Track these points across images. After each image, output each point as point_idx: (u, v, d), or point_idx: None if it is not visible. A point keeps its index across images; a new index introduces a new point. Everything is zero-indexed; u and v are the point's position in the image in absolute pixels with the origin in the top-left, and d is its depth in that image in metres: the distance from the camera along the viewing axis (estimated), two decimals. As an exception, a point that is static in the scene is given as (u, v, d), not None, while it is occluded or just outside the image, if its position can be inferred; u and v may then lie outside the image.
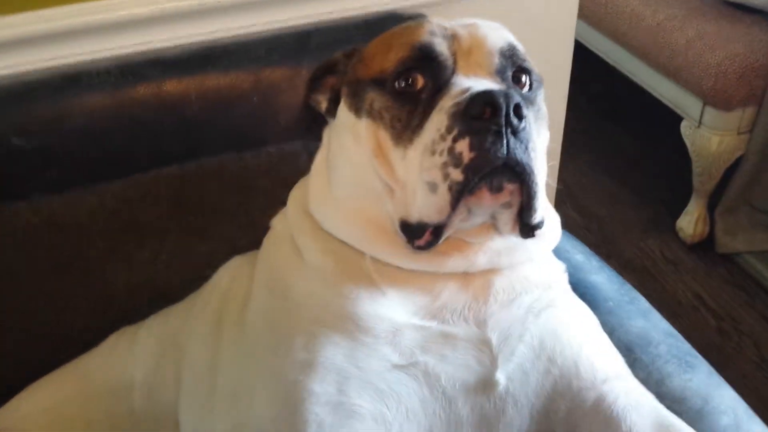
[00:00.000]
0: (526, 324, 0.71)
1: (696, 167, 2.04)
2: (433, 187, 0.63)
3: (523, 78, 0.72)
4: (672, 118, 2.10)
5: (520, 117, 0.62)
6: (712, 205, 2.11)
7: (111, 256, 0.97)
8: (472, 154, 0.62)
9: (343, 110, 0.76)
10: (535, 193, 0.65)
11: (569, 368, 0.70)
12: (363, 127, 0.71)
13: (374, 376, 0.66)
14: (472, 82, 0.67)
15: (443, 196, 0.63)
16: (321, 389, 0.65)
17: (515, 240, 0.70)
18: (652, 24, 2.07)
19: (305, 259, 0.75)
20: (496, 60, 0.70)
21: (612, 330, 0.82)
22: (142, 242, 0.98)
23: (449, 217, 0.64)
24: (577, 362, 0.71)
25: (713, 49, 1.88)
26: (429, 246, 0.67)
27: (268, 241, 0.84)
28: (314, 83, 0.83)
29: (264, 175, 0.99)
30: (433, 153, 0.64)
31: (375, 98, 0.71)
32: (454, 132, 0.63)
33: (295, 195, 0.84)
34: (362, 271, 0.71)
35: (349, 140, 0.73)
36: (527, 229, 0.67)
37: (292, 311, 0.71)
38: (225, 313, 0.80)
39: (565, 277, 0.78)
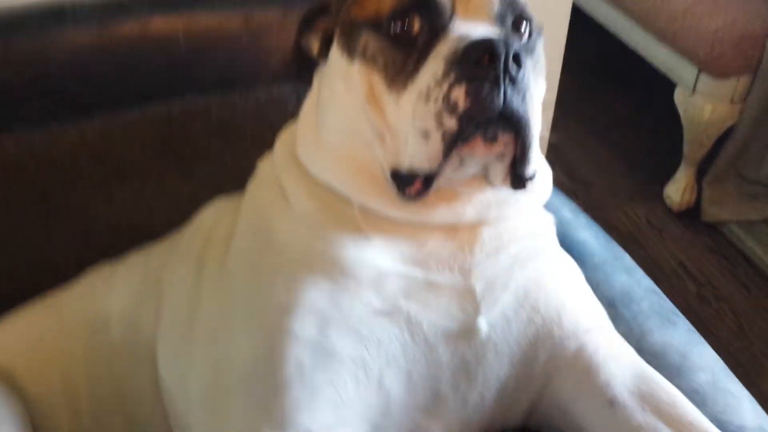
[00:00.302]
0: (511, 273, 0.71)
1: (687, 135, 2.04)
2: (425, 135, 0.62)
3: (523, 26, 0.69)
4: (666, 85, 2.09)
5: (519, 65, 0.61)
6: (700, 174, 2.11)
7: (93, 193, 0.96)
8: (467, 102, 0.60)
9: (336, 53, 0.73)
10: (529, 144, 0.63)
11: (552, 317, 0.70)
12: (355, 71, 0.69)
13: (356, 320, 0.66)
14: (470, 28, 0.65)
15: (436, 144, 0.62)
16: (301, 331, 0.64)
17: (505, 192, 0.70)
18: (651, -12, 2.05)
19: (291, 203, 0.74)
20: (496, 5, 0.67)
21: (596, 285, 0.82)
22: (124, 181, 0.97)
23: (441, 166, 0.63)
24: (560, 312, 0.71)
25: (711, 16, 1.87)
26: (419, 195, 0.66)
27: (254, 183, 0.82)
28: (306, 25, 0.80)
29: (252, 119, 0.97)
30: (427, 100, 0.62)
31: (369, 41, 0.68)
32: (451, 78, 0.61)
33: (283, 138, 0.82)
34: (348, 217, 0.70)
35: (341, 84, 0.71)
36: (519, 181, 0.66)
37: (275, 254, 0.71)
38: (207, 253, 0.79)
39: (553, 230, 0.78)
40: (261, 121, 0.97)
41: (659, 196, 2.20)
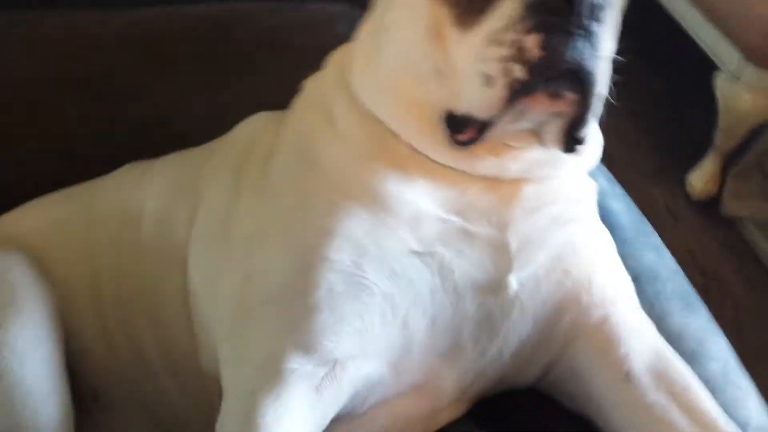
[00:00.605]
0: (547, 234, 0.70)
1: (721, 123, 2.00)
2: (488, 80, 0.59)
3: None
4: (707, 66, 2.04)
5: (598, 20, 0.58)
6: (726, 166, 2.09)
7: (133, 86, 0.95)
8: (541, 53, 0.57)
9: None
10: (592, 104, 0.61)
11: (582, 283, 0.70)
12: (426, 1, 0.65)
13: (390, 256, 0.65)
14: None
15: (498, 91, 0.59)
16: (337, 257, 0.64)
17: (554, 153, 0.67)
18: (713, -37, 1.98)
19: (338, 128, 0.72)
20: None
21: (623, 258, 0.81)
22: (165, 79, 0.95)
23: (499, 115, 0.61)
24: (591, 279, 0.70)
25: (765, 2, 1.81)
26: (470, 142, 0.64)
27: (300, 103, 0.80)
28: None
29: (300, 34, 0.95)
30: (496, 43, 0.59)
31: None
32: (526, 24, 0.58)
33: (335, 60, 0.79)
34: (395, 153, 0.68)
35: (404, 13, 0.68)
36: (571, 143, 0.64)
37: (317, 177, 0.69)
38: (246, 166, 0.78)
39: (594, 198, 0.77)
40: (309, 38, 0.94)
41: (681, 181, 2.18)
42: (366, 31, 0.75)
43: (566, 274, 0.70)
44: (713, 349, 0.79)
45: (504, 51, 0.58)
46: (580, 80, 0.59)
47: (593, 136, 0.74)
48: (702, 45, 2.06)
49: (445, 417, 0.75)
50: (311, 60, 0.94)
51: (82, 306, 0.81)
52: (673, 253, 1.99)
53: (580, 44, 0.57)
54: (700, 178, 2.12)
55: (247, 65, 0.95)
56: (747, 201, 2.07)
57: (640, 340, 0.70)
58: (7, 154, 0.92)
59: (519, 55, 0.58)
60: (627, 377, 0.68)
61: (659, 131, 2.36)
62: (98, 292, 0.81)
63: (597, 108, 0.63)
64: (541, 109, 0.61)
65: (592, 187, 0.77)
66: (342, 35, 0.94)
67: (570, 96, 0.60)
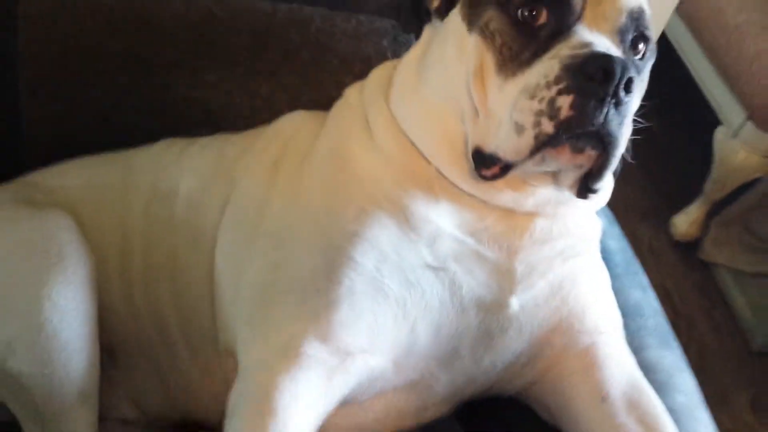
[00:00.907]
0: (552, 264, 0.76)
1: (714, 174, 2.09)
2: (519, 129, 0.65)
3: (641, 45, 0.71)
4: (710, 120, 2.13)
5: (627, 91, 0.63)
6: (711, 213, 2.18)
7: (182, 66, 0.99)
8: (571, 113, 0.62)
9: (456, 18, 0.74)
10: (610, 163, 0.67)
11: (577, 312, 0.77)
12: (471, 42, 0.70)
13: (408, 267, 0.71)
14: (593, 37, 0.66)
15: (527, 140, 0.65)
16: (361, 260, 0.70)
17: (567, 194, 0.73)
18: (730, 23, 2.06)
19: (375, 141, 0.77)
20: (623, 19, 0.68)
21: (613, 292, 0.89)
22: (213, 64, 1.00)
23: (523, 160, 0.66)
24: (585, 309, 0.78)
25: (777, 70, 1.90)
26: (494, 178, 0.70)
27: (340, 108, 0.85)
28: None
29: (347, 43, 1.01)
30: (532, 96, 0.64)
31: (493, 18, 0.69)
32: (561, 84, 0.63)
33: (378, 75, 0.84)
34: (424, 174, 0.74)
35: (452, 50, 0.73)
36: (586, 190, 0.70)
37: (351, 183, 0.75)
38: (283, 162, 0.83)
39: (598, 235, 0.83)
40: (354, 48, 1.00)
41: (666, 222, 2.27)
42: (413, 57, 0.80)
43: (564, 302, 0.77)
44: (682, 384, 0.87)
45: (538, 105, 0.64)
46: (603, 141, 0.65)
47: (606, 183, 0.80)
48: (710, 99, 2.15)
49: (432, 414, 0.82)
50: (352, 67, 1.01)
51: (111, 267, 0.86)
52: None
53: (609, 111, 0.63)
54: (685, 222, 2.21)
55: (292, 63, 1.01)
56: (725, 249, 2.16)
57: (619, 368, 0.77)
58: (61, 111, 0.97)
59: (550, 111, 0.63)
60: (603, 399, 0.75)
61: (655, 173, 2.44)
62: (128, 257, 0.86)
63: (615, 164, 0.69)
64: (563, 160, 0.67)
65: (598, 226, 0.84)
66: (385, 49, 1.01)
67: (592, 153, 0.66)
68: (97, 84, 0.98)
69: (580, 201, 0.74)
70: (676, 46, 2.33)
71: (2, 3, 0.93)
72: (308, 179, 0.79)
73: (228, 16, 0.98)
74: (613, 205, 2.23)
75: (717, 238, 2.17)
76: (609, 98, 0.62)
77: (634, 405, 0.75)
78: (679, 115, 2.57)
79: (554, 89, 0.63)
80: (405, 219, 0.72)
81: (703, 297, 2.14)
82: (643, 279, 0.99)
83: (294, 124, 0.89)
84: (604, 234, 0.98)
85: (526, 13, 0.68)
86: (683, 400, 0.85)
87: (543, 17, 0.68)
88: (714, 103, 2.12)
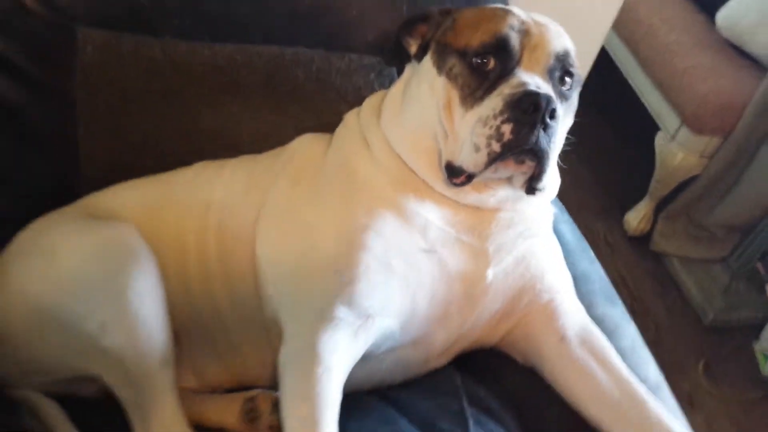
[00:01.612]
0: (515, 243, 0.98)
1: (657, 174, 2.36)
2: (477, 148, 0.86)
3: (567, 79, 0.92)
4: (650, 127, 2.40)
5: (552, 118, 0.84)
6: (658, 209, 2.44)
7: (207, 100, 1.19)
8: (511, 136, 0.84)
9: (428, 63, 0.96)
10: (546, 169, 0.87)
11: (538, 276, 1.00)
12: (440, 82, 0.92)
13: (407, 250, 0.93)
14: (529, 77, 0.87)
15: (482, 156, 0.86)
16: (373, 245, 0.91)
17: (520, 192, 0.95)
18: (663, 42, 2.34)
19: (373, 155, 0.98)
20: (551, 61, 0.89)
21: (567, 264, 1.11)
22: (233, 98, 1.21)
23: (481, 171, 0.88)
24: (543, 274, 1.00)
25: (704, 80, 2.17)
26: (462, 185, 0.91)
27: (342, 130, 1.07)
28: (407, 27, 1.03)
29: (342, 77, 1.23)
30: (484, 124, 0.86)
31: (456, 64, 0.91)
32: (504, 116, 0.84)
33: (371, 102, 1.06)
34: (412, 181, 0.96)
35: (426, 88, 0.95)
36: (532, 190, 0.92)
37: (358, 188, 0.96)
38: (303, 174, 1.03)
39: (551, 218, 1.06)
40: (347, 82, 1.22)
41: (619, 220, 2.54)
42: (397, 90, 1.03)
43: (527, 269, 0.99)
44: (625, 331, 1.09)
45: (489, 131, 0.85)
46: (537, 155, 0.86)
47: (552, 181, 1.02)
48: (649, 108, 2.43)
49: (433, 365, 1.03)
50: (346, 97, 1.24)
51: (168, 266, 1.03)
52: (609, 278, 2.32)
53: (539, 134, 0.84)
54: (635, 218, 2.47)
55: (298, 96, 1.22)
56: (672, 240, 2.42)
57: (572, 317, 1.00)
58: (111, 142, 1.18)
59: (497, 136, 0.85)
60: (561, 340, 0.98)
61: (605, 176, 2.71)
62: (183, 256, 1.05)
63: (551, 169, 0.90)
64: (510, 169, 0.89)
65: (550, 212, 1.06)
66: (372, 81, 1.24)
67: (530, 163, 0.87)
68: (140, 119, 1.18)
69: (531, 197, 0.96)
70: (618, 64, 2.61)
71: (64, 55, 1.13)
72: (324, 187, 0.99)
73: (245, 60, 1.19)
74: (569, 205, 2.52)
75: (665, 231, 2.42)
76: (538, 124, 0.84)
77: (586, 342, 0.98)
78: (624, 124, 2.86)
79: (499, 119, 0.85)
80: (401, 214, 0.93)
81: (656, 283, 2.39)
82: (590, 254, 1.22)
83: (306, 144, 1.10)
84: (558, 219, 1.22)
85: (479, 61, 0.90)
86: (627, 343, 1.07)
87: (491, 64, 0.90)
88: (653, 112, 2.39)
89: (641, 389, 0.93)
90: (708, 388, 2.10)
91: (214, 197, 1.08)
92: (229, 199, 1.07)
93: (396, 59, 1.08)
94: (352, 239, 0.91)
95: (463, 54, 0.91)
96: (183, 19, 1.16)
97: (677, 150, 2.26)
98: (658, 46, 2.35)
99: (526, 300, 1.00)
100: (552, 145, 0.86)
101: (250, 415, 0.97)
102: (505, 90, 0.86)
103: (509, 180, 0.93)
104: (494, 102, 0.86)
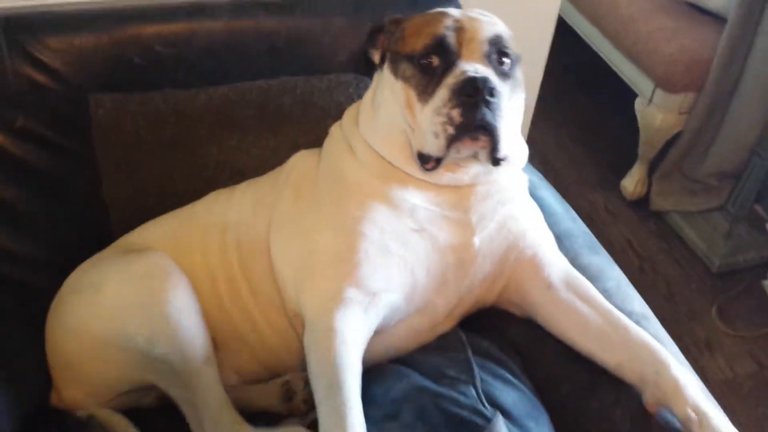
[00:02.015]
0: (495, 211, 1.11)
1: (642, 138, 2.47)
2: (436, 135, 1.00)
3: (504, 59, 1.04)
4: (629, 95, 2.52)
5: (492, 95, 0.97)
6: (651, 170, 2.55)
7: (210, 139, 1.35)
8: (461, 118, 0.97)
9: (387, 70, 1.11)
10: (499, 140, 0.99)
11: (520, 236, 1.12)
12: (398, 86, 1.07)
13: (400, 233, 1.06)
14: (468, 66, 0.99)
15: (442, 141, 0.99)
16: (369, 233, 1.05)
17: (488, 166, 1.07)
18: (625, 13, 2.47)
19: (358, 156, 1.12)
20: (486, 48, 1.02)
21: (551, 224, 1.23)
22: (232, 133, 1.36)
23: (445, 153, 1.01)
24: (525, 233, 1.13)
25: (668, 41, 2.30)
26: (433, 169, 1.05)
27: (329, 141, 1.21)
28: (371, 39, 1.18)
29: (324, 96, 1.38)
30: (438, 114, 1.00)
31: (407, 68, 1.06)
32: (452, 103, 0.98)
33: (349, 113, 1.21)
34: (393, 173, 1.09)
35: (389, 93, 1.09)
36: (496, 161, 1.05)
37: (349, 188, 1.10)
38: (302, 186, 1.18)
39: (525, 185, 1.19)
40: (330, 98, 1.37)
41: (616, 187, 2.65)
42: (368, 98, 1.17)
43: (509, 231, 1.12)
44: (610, 275, 1.21)
45: (442, 118, 0.99)
46: (487, 129, 1.00)
47: (516, 151, 1.14)
48: (623, 77, 2.55)
49: (441, 329, 1.16)
50: (330, 113, 1.38)
51: (199, 283, 1.17)
52: (613, 243, 2.46)
53: (485, 111, 0.98)
54: (631, 183, 2.58)
55: (288, 119, 1.37)
56: (670, 197, 2.52)
57: (556, 266, 1.13)
58: (131, 188, 1.34)
59: (450, 121, 0.99)
60: (548, 287, 1.10)
61: (597, 148, 2.83)
62: (211, 272, 1.19)
63: (505, 140, 1.02)
64: (468, 147, 1.02)
65: (525, 178, 1.19)
66: (351, 95, 1.39)
67: (483, 137, 1.01)
68: (154, 165, 1.34)
69: (501, 168, 1.09)
70: (588, 42, 2.73)
71: (79, 119, 1.29)
72: (321, 193, 1.14)
73: (237, 97, 1.35)
74: (569, 181, 2.67)
75: (661, 190, 2.52)
76: (481, 103, 0.98)
77: (570, 285, 1.10)
78: (605, 98, 2.98)
79: (449, 106, 0.99)
80: (390, 203, 1.07)
81: (661, 240, 2.50)
82: (573, 214, 1.34)
83: (301, 160, 1.24)
84: (538, 186, 1.36)
85: (425, 61, 1.04)
86: (612, 284, 1.19)
87: (436, 62, 1.04)
88: (628, 80, 2.51)
89: (622, 317, 1.05)
90: (724, 330, 2.19)
91: (229, 219, 1.23)
92: (241, 218, 1.22)
93: (366, 69, 1.22)
94: (350, 230, 1.06)
95: (411, 58, 1.06)
96: (177, 72, 1.32)
97: (656, 111, 2.37)
98: (621, 17, 2.48)
99: (513, 258, 1.13)
100: (499, 118, 1.00)
101: (288, 394, 1.12)
102: (450, 81, 1.00)
103: (476, 157, 1.06)
104: (442, 93, 1.00)
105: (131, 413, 1.15)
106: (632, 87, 2.49)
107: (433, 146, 1.01)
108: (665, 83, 2.31)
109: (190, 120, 1.34)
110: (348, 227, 1.06)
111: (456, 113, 0.98)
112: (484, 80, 0.97)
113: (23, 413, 1.13)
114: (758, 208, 2.51)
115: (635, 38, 2.40)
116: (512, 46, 1.07)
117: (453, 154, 1.02)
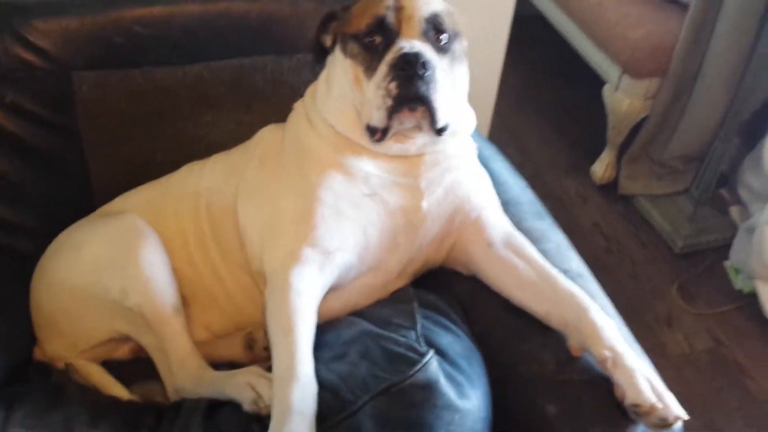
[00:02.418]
0: (443, 177, 1.21)
1: (610, 123, 2.56)
2: (379, 107, 1.09)
3: (441, 36, 1.12)
4: (598, 81, 2.62)
5: (425, 69, 1.05)
6: (620, 155, 2.64)
7: (187, 114, 1.46)
8: (397, 90, 1.06)
9: (338, 51, 1.20)
10: (435, 111, 1.08)
11: (464, 199, 1.22)
12: (347, 63, 1.16)
13: (354, 197, 1.16)
14: (405, 43, 1.08)
15: (383, 112, 1.08)
16: (325, 197, 1.14)
17: (435, 137, 1.17)
18: (593, 1, 2.57)
19: (316, 130, 1.22)
20: (423, 25, 1.10)
21: (502, 191, 1.33)
22: (208, 110, 1.48)
23: (388, 124, 1.09)
24: (469, 196, 1.23)
25: (634, 28, 2.39)
26: (381, 140, 1.14)
27: (293, 117, 1.31)
28: (322, 27, 1.26)
29: (292, 74, 1.49)
30: (378, 88, 1.08)
31: (353, 47, 1.15)
32: (389, 77, 1.06)
33: (310, 91, 1.31)
34: (348, 144, 1.18)
35: (340, 71, 1.19)
36: (439, 131, 1.14)
37: (308, 158, 1.20)
38: (268, 157, 1.28)
39: (473, 153, 1.29)
40: (298, 77, 1.48)
41: (587, 172, 2.75)
42: (323, 77, 1.27)
43: (456, 196, 1.22)
44: (551, 237, 1.31)
45: (382, 92, 1.08)
46: (423, 101, 1.08)
47: (464, 120, 1.24)
48: (593, 65, 2.65)
49: (393, 287, 1.26)
50: (298, 91, 1.48)
51: (173, 245, 1.29)
52: (583, 226, 2.58)
53: (419, 84, 1.06)
54: (600, 167, 2.67)
55: (260, 96, 1.48)
56: (638, 181, 2.61)
57: (498, 227, 1.23)
58: (114, 161, 1.45)
59: (389, 93, 1.08)
60: (489, 245, 1.20)
61: (569, 134, 2.93)
62: (184, 235, 1.30)
63: (442, 111, 1.09)
64: (408, 117, 1.11)
65: (473, 146, 1.29)
66: (318, 74, 1.48)
67: (421, 108, 1.09)
68: (134, 138, 1.45)
69: (445, 137, 1.18)
70: (560, 30, 2.84)
71: (64, 95, 1.40)
72: (284, 164, 1.24)
73: (212, 75, 1.46)
74: (541, 165, 2.78)
75: (629, 174, 2.62)
76: (415, 77, 1.06)
77: (509, 244, 1.20)
78: (576, 84, 3.07)
79: (387, 80, 1.08)
80: (345, 171, 1.17)
81: (628, 223, 2.60)
82: (522, 183, 1.45)
83: (268, 133, 1.34)
84: (489, 160, 1.46)
85: (368, 40, 1.12)
86: (552, 246, 1.29)
87: (378, 40, 1.13)
88: (596, 67, 2.61)
89: (553, 271, 1.15)
90: (684, 307, 2.30)
91: (202, 187, 1.33)
92: (213, 185, 1.33)
93: (319, 56, 1.29)
94: (308, 195, 1.16)
95: (356, 37, 1.16)
96: (156, 50, 1.43)
97: (623, 97, 2.47)
98: (589, 5, 2.57)
99: (458, 220, 1.23)
100: (433, 90, 1.07)
101: (249, 343, 1.22)
102: (388, 57, 1.09)
103: (420, 128, 1.15)
104: (382, 68, 1.09)
105: (106, 365, 1.26)
106: (600, 73, 2.59)
107: (376, 118, 1.11)
108: (631, 69, 2.40)
109: (168, 96, 1.45)
110: (307, 193, 1.16)
111: (393, 86, 1.07)
112: (417, 55, 1.06)
113: (9, 364, 1.25)
114: (723, 192, 2.62)
115: (603, 26, 2.50)
116: (450, 23, 1.16)
117: (396, 125, 1.12)
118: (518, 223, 1.31)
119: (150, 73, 1.42)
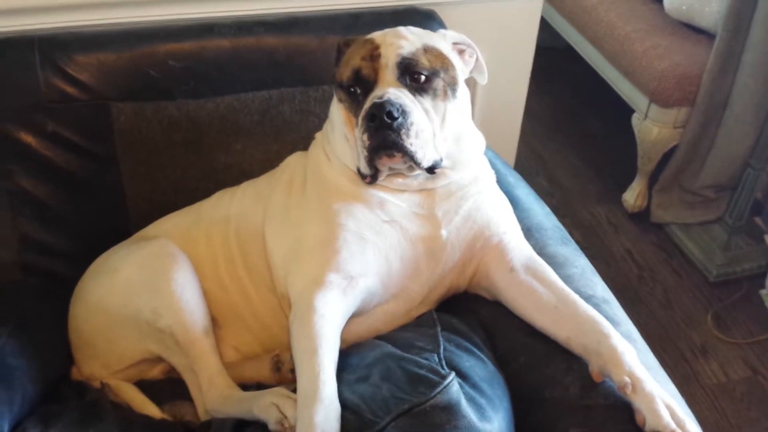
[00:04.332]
0: (459, 205, 1.23)
1: (640, 151, 2.56)
2: (360, 155, 1.14)
3: (418, 77, 1.13)
4: (627, 110, 2.63)
5: (392, 117, 1.06)
6: (651, 184, 2.63)
7: (218, 143, 1.52)
8: (370, 141, 1.10)
9: (334, 94, 1.25)
10: (413, 154, 1.10)
11: (484, 225, 1.24)
12: (341, 107, 1.21)
13: (374, 224, 1.19)
14: (383, 91, 1.10)
15: (365, 161, 1.12)
16: (347, 223, 1.18)
17: (439, 171, 1.19)
18: (621, 33, 2.59)
19: (331, 161, 1.26)
20: (397, 72, 1.13)
21: (522, 219, 1.35)
22: (238, 139, 1.52)
23: (371, 171, 1.13)
24: (489, 222, 1.24)
25: (661, 59, 2.41)
26: (371, 183, 1.18)
27: (313, 147, 1.36)
28: (336, 61, 1.29)
29: (320, 104, 1.53)
30: (358, 138, 1.12)
31: (341, 94, 1.20)
32: (363, 127, 1.10)
33: (325, 125, 1.34)
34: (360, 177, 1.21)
35: (336, 112, 1.23)
36: (430, 170, 1.17)
37: (327, 187, 1.24)
38: (293, 184, 1.32)
39: (491, 179, 1.30)
40: (325, 107, 1.50)
41: (618, 200, 2.74)
42: (330, 113, 1.30)
43: (474, 222, 1.23)
44: (575, 262, 1.31)
45: (360, 141, 1.12)
46: (398, 146, 1.09)
47: (467, 151, 1.25)
48: (622, 95, 2.66)
49: (416, 313, 1.27)
50: (324, 119, 1.52)
51: (204, 268, 1.32)
52: (615, 254, 2.56)
53: (388, 133, 1.08)
54: (632, 196, 2.67)
55: (288, 126, 1.53)
56: (669, 209, 2.60)
57: (519, 251, 1.24)
58: (149, 188, 1.50)
59: (363, 144, 1.11)
60: (510, 270, 1.21)
61: (599, 163, 2.94)
62: (215, 258, 1.34)
63: (421, 151, 1.11)
64: (388, 163, 1.14)
65: (490, 174, 1.31)
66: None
67: (398, 154, 1.11)
68: (169, 167, 1.51)
69: (446, 171, 1.21)
70: (589, 61, 2.86)
71: (103, 125, 1.46)
72: (308, 193, 1.28)
73: (243, 105, 1.51)
74: (572, 195, 2.79)
75: (661, 202, 2.61)
76: (383, 127, 1.08)
77: (530, 268, 1.21)
78: (606, 114, 3.09)
79: (361, 131, 1.12)
80: (363, 200, 1.20)
81: (661, 251, 2.57)
82: (546, 209, 1.46)
83: (294, 160, 1.39)
84: (512, 186, 1.48)
85: (351, 89, 1.16)
86: (577, 271, 1.29)
87: (357, 89, 1.16)
88: (625, 97, 2.62)
89: (574, 296, 1.15)
90: (719, 336, 2.26)
91: (231, 212, 1.38)
92: (242, 210, 1.37)
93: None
94: (331, 221, 1.19)
95: (341, 86, 1.20)
96: (189, 83, 1.49)
97: (652, 126, 2.47)
98: (618, 37, 2.60)
99: (480, 245, 1.24)
100: (405, 135, 1.09)
101: (276, 365, 1.25)
102: (366, 105, 1.12)
103: (411, 167, 1.17)
104: (361, 117, 1.12)
105: (139, 384, 1.30)
106: (629, 103, 2.60)
107: (362, 164, 1.15)
108: (658, 99, 2.41)
109: (200, 126, 1.50)
110: (329, 219, 1.19)
111: (366, 138, 1.11)
112: (382, 106, 1.08)
113: (46, 383, 1.29)
114: (758, 220, 2.58)
115: (631, 57, 2.52)
116: (428, 60, 1.15)
117: (384, 170, 1.16)
118: (542, 249, 1.32)
119: (183, 104, 1.48)
